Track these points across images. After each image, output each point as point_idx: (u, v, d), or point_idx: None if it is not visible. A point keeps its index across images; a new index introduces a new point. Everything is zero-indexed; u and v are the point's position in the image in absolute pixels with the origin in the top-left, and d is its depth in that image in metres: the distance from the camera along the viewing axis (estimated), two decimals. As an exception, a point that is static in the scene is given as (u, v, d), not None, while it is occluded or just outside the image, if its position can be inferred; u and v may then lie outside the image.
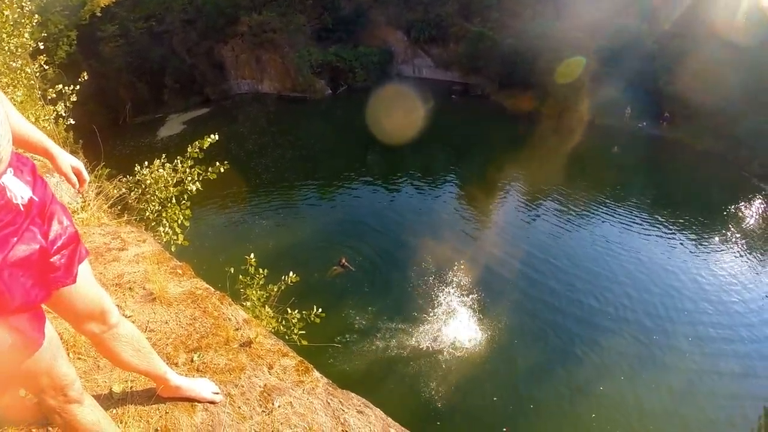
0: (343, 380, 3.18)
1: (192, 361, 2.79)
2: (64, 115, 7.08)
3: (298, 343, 5.80)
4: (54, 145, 2.05)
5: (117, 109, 40.94)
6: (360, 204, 26.52)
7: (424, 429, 13.45)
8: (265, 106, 44.47)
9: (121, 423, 2.35)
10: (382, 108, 36.58)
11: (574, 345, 16.66)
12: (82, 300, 1.95)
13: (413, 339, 16.56)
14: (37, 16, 7.85)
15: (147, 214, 6.31)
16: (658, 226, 23.85)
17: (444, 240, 21.56)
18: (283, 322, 5.98)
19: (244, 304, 5.59)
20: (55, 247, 1.70)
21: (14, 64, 7.32)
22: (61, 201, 1.89)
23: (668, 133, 32.49)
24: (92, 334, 2.09)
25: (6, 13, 7.17)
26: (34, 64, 7.67)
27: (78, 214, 4.91)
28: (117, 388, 2.54)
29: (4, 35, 7.20)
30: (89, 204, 5.28)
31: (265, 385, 2.68)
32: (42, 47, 7.91)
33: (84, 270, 1.92)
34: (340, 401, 2.68)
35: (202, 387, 2.54)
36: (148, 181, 6.44)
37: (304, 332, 6.06)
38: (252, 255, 6.20)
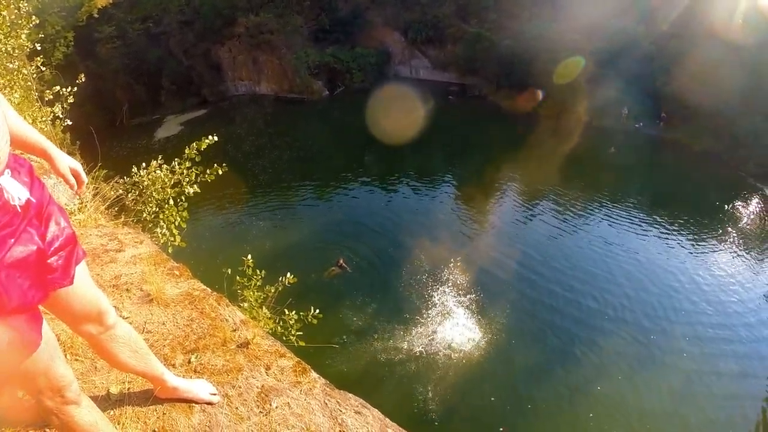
0: (340, 381, 3.18)
1: (189, 362, 2.79)
2: (61, 116, 7.07)
3: (296, 344, 5.79)
4: (52, 146, 2.05)
5: (114, 111, 40.93)
6: (357, 204, 26.54)
7: (422, 429, 13.46)
8: (263, 108, 44.48)
9: (118, 424, 2.35)
10: (380, 109, 36.57)
11: (572, 345, 16.69)
12: (79, 301, 1.95)
13: (411, 339, 16.56)
14: (34, 17, 7.84)
15: (144, 215, 6.29)
16: (655, 226, 23.89)
17: (441, 241, 21.57)
18: (281, 323, 5.98)
19: (242, 305, 5.59)
20: (52, 249, 1.70)
21: (11, 66, 7.31)
22: (59, 202, 1.89)
23: (665, 133, 32.55)
24: (89, 336, 2.09)
25: (3, 14, 7.16)
26: (31, 66, 7.65)
27: (75, 215, 4.90)
28: (114, 390, 2.54)
29: (1, 36, 7.19)
30: (86, 205, 5.27)
31: (262, 386, 2.68)
32: (39, 48, 7.90)
33: (81, 271, 1.92)
34: (338, 402, 2.68)
35: (200, 388, 2.54)
36: (145, 183, 6.42)
37: (301, 333, 6.06)
38: (249, 256, 6.20)
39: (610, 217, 24.71)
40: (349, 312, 17.70)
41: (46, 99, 7.32)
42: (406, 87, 42.82)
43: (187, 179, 6.51)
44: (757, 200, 26.33)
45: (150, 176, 6.44)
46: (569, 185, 27.28)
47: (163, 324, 3.10)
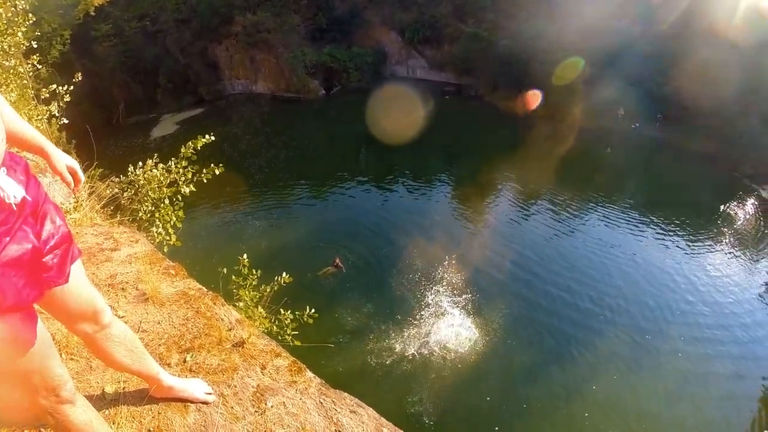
0: (336, 381, 3.18)
1: (185, 361, 2.79)
2: (57, 114, 7.06)
3: (291, 344, 5.80)
4: (49, 144, 2.04)
5: (110, 109, 40.88)
6: (353, 204, 26.53)
7: (417, 429, 13.47)
8: (259, 107, 44.46)
9: (113, 424, 2.34)
10: (376, 109, 36.60)
11: (568, 345, 16.71)
12: (74, 300, 1.94)
13: (406, 340, 16.56)
14: (31, 14, 7.82)
15: (140, 214, 6.29)
16: (651, 226, 23.93)
17: (436, 241, 21.57)
18: (276, 322, 5.98)
19: (237, 304, 5.59)
20: (47, 247, 1.70)
21: (7, 63, 7.30)
22: (54, 201, 1.89)
23: (661, 134, 32.59)
24: (85, 334, 2.09)
25: None
26: (27, 64, 7.64)
27: (71, 214, 4.89)
28: (110, 389, 2.54)
29: (-2, 34, 7.18)
30: (82, 204, 5.26)
31: (257, 386, 2.68)
32: (35, 46, 7.88)
33: (76, 270, 1.92)
34: (333, 401, 2.68)
35: (195, 387, 2.54)
36: (141, 182, 6.42)
37: (297, 333, 6.07)
38: (245, 255, 6.21)
39: (606, 217, 24.74)
40: (344, 312, 17.69)
41: (42, 97, 7.30)
42: (403, 87, 42.82)
43: (183, 178, 6.51)
44: (752, 201, 26.38)
45: (146, 175, 6.44)
46: (565, 185, 27.30)
47: (159, 323, 3.10)
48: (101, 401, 2.46)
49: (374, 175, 29.66)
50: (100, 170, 6.75)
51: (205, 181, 6.71)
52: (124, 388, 2.55)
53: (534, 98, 35.65)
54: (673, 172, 28.98)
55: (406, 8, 45.68)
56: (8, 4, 7.38)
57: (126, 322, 2.55)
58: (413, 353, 16.04)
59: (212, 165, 6.70)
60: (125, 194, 6.38)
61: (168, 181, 6.50)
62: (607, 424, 13.95)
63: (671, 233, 23.44)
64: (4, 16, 7.25)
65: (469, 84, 43.02)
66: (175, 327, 3.07)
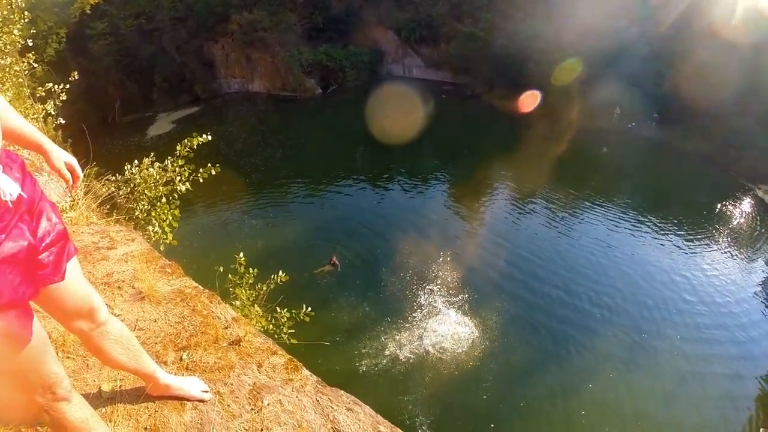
0: (332, 379, 3.18)
1: (181, 359, 2.79)
2: (53, 113, 7.04)
3: (288, 342, 5.80)
4: (47, 141, 2.04)
5: (106, 108, 40.74)
6: (350, 203, 26.52)
7: (413, 427, 13.48)
8: (255, 106, 44.44)
9: (110, 422, 2.34)
10: (373, 108, 36.63)
11: (566, 344, 16.74)
12: (70, 297, 1.94)
13: (402, 338, 16.57)
14: (26, 12, 7.79)
15: (136, 213, 6.28)
16: (648, 225, 23.98)
17: (432, 240, 21.59)
18: (273, 321, 5.98)
19: (234, 303, 5.59)
20: (43, 245, 1.70)
21: (3, 62, 7.27)
22: (50, 199, 1.89)
23: (657, 134, 32.67)
24: (81, 332, 2.09)
25: (-6, 9, 7.13)
26: (22, 62, 7.61)
27: (67, 212, 4.88)
28: (106, 387, 2.54)
29: (-7, 32, 7.16)
30: (78, 203, 5.25)
31: (254, 384, 2.69)
32: (31, 44, 7.86)
33: (72, 267, 1.92)
34: (330, 399, 2.69)
35: (192, 385, 2.54)
36: (137, 180, 6.41)
37: (293, 331, 6.07)
38: (241, 254, 6.20)
39: (603, 216, 24.78)
40: (341, 310, 17.70)
41: (38, 96, 7.28)
42: (400, 86, 42.88)
43: (179, 177, 6.50)
44: (748, 200, 26.49)
45: (142, 174, 6.43)
46: (562, 185, 27.33)
47: (155, 321, 3.10)
48: (98, 399, 2.46)
49: (371, 173, 29.66)
50: (96, 169, 6.74)
51: (201, 180, 6.70)
52: (120, 386, 2.55)
53: (533, 99, 35.65)
54: (669, 171, 29.05)
55: (402, 7, 45.72)
56: (4, 2, 7.35)
57: (122, 321, 2.55)
58: (409, 352, 16.05)
59: (209, 165, 6.70)
60: (121, 193, 6.37)
61: (164, 180, 6.49)
62: (604, 423, 13.98)
63: (668, 232, 23.49)
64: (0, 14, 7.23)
65: (465, 83, 43.06)
66: (171, 325, 3.07)
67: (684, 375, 15.71)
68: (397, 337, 16.59)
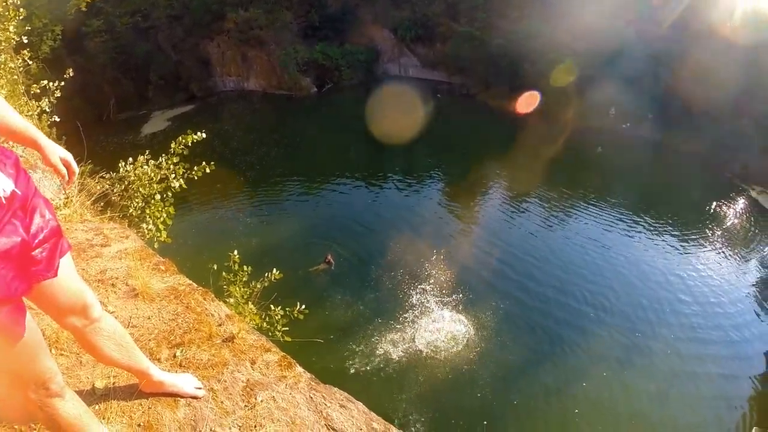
0: (326, 376, 3.19)
1: (175, 356, 2.80)
2: (48, 110, 7.03)
3: (282, 340, 5.80)
4: (42, 136, 2.03)
5: (101, 105, 40.59)
6: (344, 201, 26.52)
7: (407, 424, 13.50)
8: (251, 104, 44.38)
9: (103, 418, 2.35)
10: (368, 107, 36.62)
11: (561, 343, 16.77)
12: (63, 294, 1.94)
13: (396, 336, 16.58)
14: (22, 9, 7.77)
15: (130, 210, 6.28)
16: (642, 225, 24.04)
17: (427, 238, 21.59)
18: (267, 318, 5.99)
19: (228, 300, 5.59)
20: (36, 241, 1.70)
21: (-2, 59, 7.26)
22: (44, 195, 1.89)
23: (652, 134, 32.73)
24: (74, 328, 2.09)
25: (-10, 6, 7.10)
26: (17, 59, 7.59)
27: (61, 210, 4.88)
28: (100, 384, 2.54)
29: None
30: (72, 200, 5.25)
31: (247, 380, 2.69)
32: (26, 41, 7.83)
33: (66, 264, 1.92)
34: (323, 396, 2.69)
35: (185, 382, 2.54)
36: (132, 178, 6.41)
37: (287, 329, 6.08)
38: (235, 252, 6.20)
39: (597, 216, 24.83)
40: (335, 308, 17.70)
41: (33, 93, 7.26)
42: (395, 85, 42.92)
43: (174, 175, 6.51)
44: (742, 201, 26.58)
45: (136, 171, 6.43)
46: (556, 184, 27.38)
47: (149, 318, 3.10)
48: (91, 396, 2.46)
49: (366, 172, 29.66)
50: (91, 167, 6.74)
51: (195, 178, 6.70)
52: (114, 383, 2.56)
53: (531, 99, 35.67)
54: (663, 171, 29.12)
55: (398, 6, 45.71)
56: (-1, -1, 7.33)
57: (116, 318, 2.55)
58: (403, 350, 16.06)
59: (203, 163, 6.70)
60: (115, 190, 6.37)
61: (158, 177, 6.49)
62: (598, 422, 14.02)
63: (662, 232, 23.55)
64: (-6, 12, 7.21)
65: (461, 83, 43.10)
66: (165, 322, 3.07)
67: (678, 374, 15.76)
68: (391, 336, 16.60)
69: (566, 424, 14.01)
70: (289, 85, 44.52)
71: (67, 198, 5.24)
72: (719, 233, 23.83)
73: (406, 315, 17.54)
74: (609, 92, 33.03)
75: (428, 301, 18.21)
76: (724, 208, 26.02)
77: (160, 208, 6.51)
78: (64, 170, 2.11)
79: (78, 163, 2.22)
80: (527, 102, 35.63)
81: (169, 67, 44.41)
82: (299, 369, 2.88)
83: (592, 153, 31.48)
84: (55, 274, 1.80)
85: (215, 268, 6.17)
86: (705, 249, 22.58)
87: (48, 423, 1.97)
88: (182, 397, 2.51)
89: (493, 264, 20.36)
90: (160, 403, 2.47)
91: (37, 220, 1.73)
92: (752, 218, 25.08)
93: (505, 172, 29.40)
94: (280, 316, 6.05)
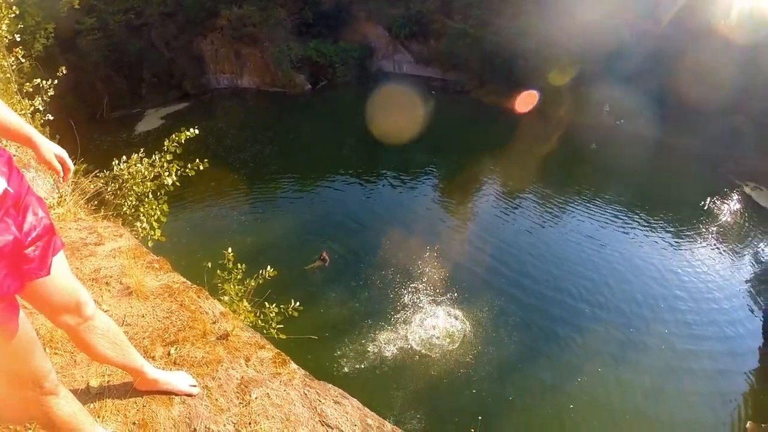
0: (320, 373, 3.20)
1: (169, 354, 2.80)
2: (41, 109, 7.00)
3: (276, 337, 5.81)
4: (36, 133, 2.03)
5: (94, 104, 40.41)
6: (339, 198, 26.52)
7: (402, 419, 13.53)
8: (245, 101, 44.30)
9: (98, 417, 2.35)
10: (362, 103, 36.60)
11: (557, 338, 16.86)
12: (57, 292, 1.94)
13: (391, 333, 16.63)
14: (14, 7, 7.73)
15: (124, 209, 6.26)
16: (637, 221, 24.10)
17: (422, 235, 21.62)
18: (261, 316, 5.99)
19: (222, 298, 5.59)
20: (29, 239, 1.70)
21: (-10, 57, 7.22)
22: (37, 193, 1.89)
23: (646, 131, 32.76)
24: (68, 327, 2.09)
25: (-18, 5, 7.07)
26: (10, 57, 7.55)
27: (54, 209, 4.87)
28: (94, 383, 2.54)
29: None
30: (65, 199, 5.23)
31: (242, 378, 2.70)
32: (18, 39, 7.80)
33: (59, 262, 1.91)
34: (317, 392, 2.70)
35: (180, 380, 2.55)
36: (125, 176, 6.39)
37: (282, 326, 6.08)
38: (230, 249, 6.20)
39: (592, 212, 24.88)
40: (330, 306, 17.73)
41: (26, 91, 7.23)
42: (389, 82, 42.91)
43: (167, 173, 6.50)
44: (737, 197, 26.66)
45: (130, 170, 6.42)
46: (550, 181, 27.44)
47: (143, 316, 3.10)
48: (86, 395, 2.46)
49: (360, 169, 29.64)
50: (84, 165, 6.72)
51: (190, 175, 6.70)
52: (108, 381, 2.56)
53: (530, 99, 35.66)
54: (658, 168, 29.12)
55: (392, 3, 45.62)
56: (-9, -3, 7.30)
57: (110, 316, 2.55)
58: (398, 347, 16.11)
59: (197, 160, 6.69)
60: (109, 189, 6.36)
61: (152, 175, 6.48)
62: (593, 417, 14.10)
63: (657, 228, 23.63)
64: (-13, 9, 7.17)
65: (455, 79, 43.06)
66: (159, 320, 3.07)
67: (673, 369, 15.85)
68: (386, 333, 16.63)
69: (561, 420, 14.07)
70: (282, 83, 44.42)
71: (61, 197, 5.23)
72: (713, 229, 23.91)
73: (400, 312, 17.57)
74: (604, 89, 33.14)
75: (423, 298, 18.24)
76: (719, 204, 26.09)
77: (153, 206, 6.50)
78: (58, 166, 2.11)
79: (72, 161, 2.22)
80: (526, 101, 35.59)
81: (163, 65, 44.24)
82: (293, 366, 2.88)
83: (587, 149, 31.50)
84: (48, 273, 1.79)
85: (209, 266, 6.18)
86: (699, 245, 22.66)
87: (43, 421, 1.97)
88: (177, 394, 2.52)
89: (488, 261, 20.41)
90: (154, 401, 2.47)
91: (29, 219, 1.73)
92: (746, 214, 25.16)
93: (500, 168, 29.44)
94: (274, 314, 6.05)
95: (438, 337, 16.53)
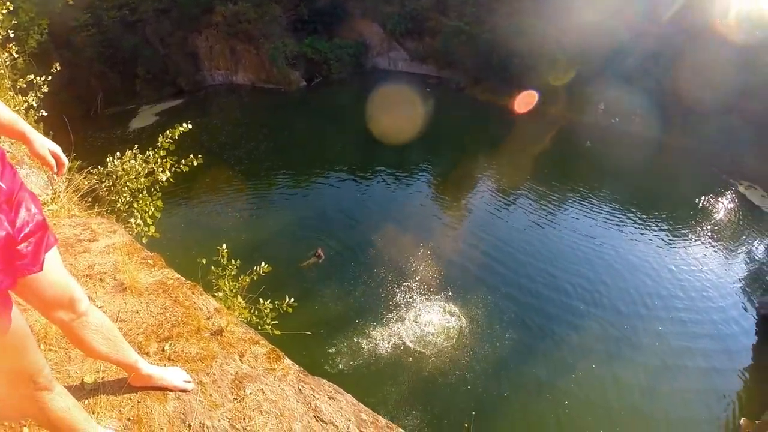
0: (314, 368, 3.21)
1: (163, 350, 2.79)
2: (35, 105, 6.97)
3: (271, 333, 5.80)
4: (30, 128, 2.02)
5: (88, 100, 40.33)
6: (334, 195, 26.55)
7: (396, 415, 13.54)
8: (239, 98, 44.30)
9: (93, 413, 2.34)
10: (357, 101, 36.61)
11: (553, 335, 16.94)
12: (50, 288, 1.94)
13: (386, 329, 16.65)
14: (8, 3, 7.69)
15: (118, 205, 6.24)
16: (631, 219, 24.18)
17: (416, 232, 21.64)
18: (256, 312, 5.98)
19: (216, 294, 5.58)
20: (21, 235, 1.69)
21: (-17, 53, 7.19)
22: (30, 190, 1.88)
23: (641, 129, 32.83)
24: (62, 323, 2.08)
25: (-24, 1, 7.03)
26: (3, 53, 7.52)
27: (48, 205, 4.85)
28: (89, 379, 2.53)
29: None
30: (59, 196, 5.22)
31: (236, 373, 2.70)
32: (12, 36, 7.76)
33: (52, 258, 1.91)
34: (312, 387, 2.70)
35: (174, 375, 2.54)
36: (119, 173, 6.37)
37: (276, 322, 6.07)
38: (224, 245, 6.19)
39: (586, 210, 24.95)
40: (325, 302, 17.75)
41: (19, 88, 7.19)
42: (384, 79, 42.89)
43: (161, 169, 6.48)
44: (730, 195, 26.76)
45: (124, 166, 6.40)
46: (545, 178, 27.49)
47: (137, 312, 3.09)
48: (80, 391, 2.45)
49: (355, 166, 29.67)
50: (79, 162, 6.70)
51: (184, 170, 6.68)
52: (103, 377, 2.55)
53: (530, 99, 35.63)
54: (652, 166, 29.18)
55: (388, 0, 45.59)
56: (-16, -6, 7.26)
57: (104, 312, 2.54)
58: (393, 343, 16.13)
59: (191, 156, 6.67)
60: (103, 185, 6.34)
61: (146, 172, 6.46)
62: (587, 413, 14.15)
63: (651, 226, 23.70)
64: (-20, 6, 7.14)
65: (450, 77, 43.11)
66: (153, 316, 3.07)
67: (668, 367, 15.92)
68: (381, 329, 16.65)
69: (557, 416, 14.12)
70: (278, 79, 44.42)
71: (55, 193, 5.21)
72: (708, 228, 24.01)
73: (395, 308, 17.59)
74: (599, 88, 33.18)
75: (418, 294, 18.27)
76: (713, 202, 26.18)
77: (148, 202, 6.48)
78: (52, 161, 2.11)
79: (66, 157, 2.22)
80: (525, 101, 35.58)
81: (157, 61, 44.15)
82: (288, 361, 2.88)
83: (582, 147, 31.56)
84: (41, 269, 1.79)
85: (204, 262, 6.15)
86: (694, 243, 22.74)
87: (37, 417, 1.97)
88: (171, 390, 2.51)
89: (483, 258, 20.45)
90: (149, 397, 2.47)
91: (22, 214, 1.73)
92: (740, 213, 25.27)
93: (495, 165, 29.47)
94: (269, 310, 6.04)
95: (433, 334, 16.56)
